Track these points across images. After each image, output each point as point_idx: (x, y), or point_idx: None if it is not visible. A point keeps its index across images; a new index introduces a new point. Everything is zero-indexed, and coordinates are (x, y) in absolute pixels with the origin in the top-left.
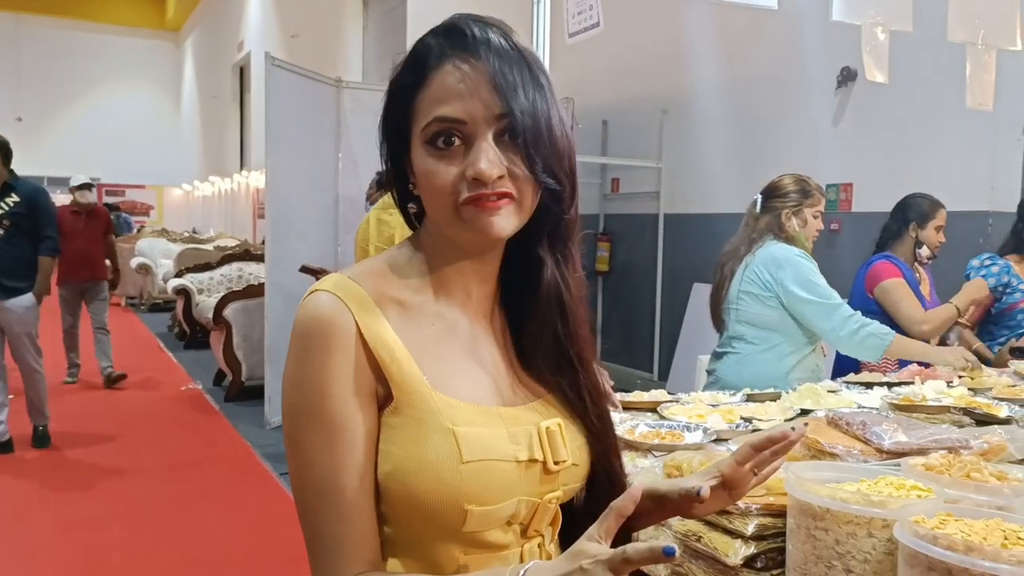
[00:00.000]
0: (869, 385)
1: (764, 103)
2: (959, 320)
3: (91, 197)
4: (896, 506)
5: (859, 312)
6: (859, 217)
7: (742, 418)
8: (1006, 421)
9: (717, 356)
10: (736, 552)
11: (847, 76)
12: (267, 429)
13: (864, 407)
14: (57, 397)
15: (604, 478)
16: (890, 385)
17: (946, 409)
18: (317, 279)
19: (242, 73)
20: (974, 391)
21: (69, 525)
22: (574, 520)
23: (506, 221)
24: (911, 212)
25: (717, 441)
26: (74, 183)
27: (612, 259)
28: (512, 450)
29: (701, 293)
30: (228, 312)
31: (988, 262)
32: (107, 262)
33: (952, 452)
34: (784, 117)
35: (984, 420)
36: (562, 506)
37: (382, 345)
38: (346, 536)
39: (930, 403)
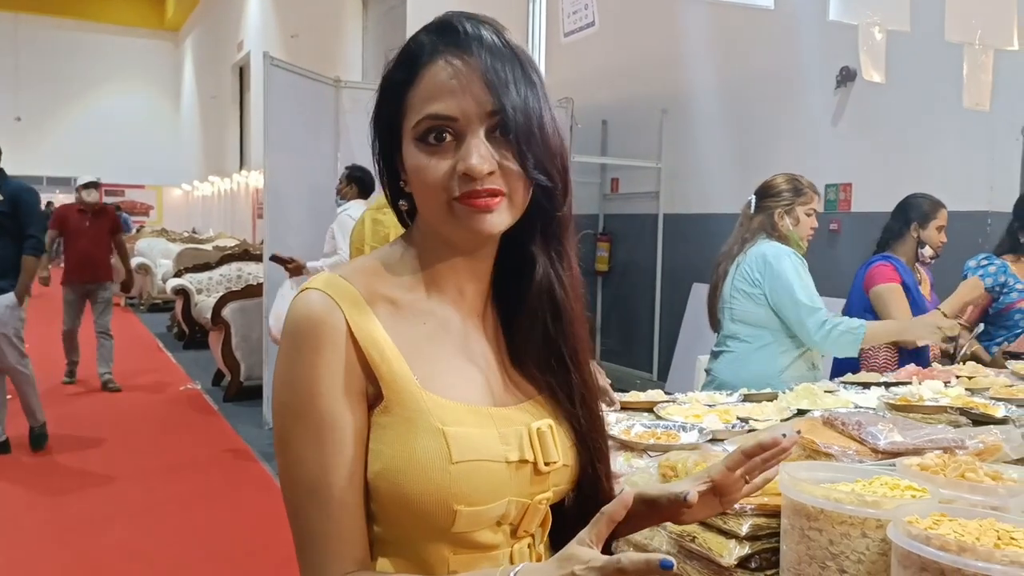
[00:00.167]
0: (866, 385)
1: (763, 103)
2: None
3: (96, 196)
4: (890, 506)
5: (833, 314)
6: (858, 217)
7: (738, 418)
8: (1003, 421)
9: (714, 355)
10: (730, 552)
11: (846, 76)
12: (265, 429)
13: (861, 407)
14: (55, 397)
15: (589, 481)
16: (887, 385)
17: (943, 409)
18: (287, 269)
19: (242, 73)
20: (971, 391)
21: (67, 526)
22: (562, 521)
23: (498, 218)
24: (912, 212)
25: (713, 441)
26: (80, 182)
27: (612, 259)
28: (502, 450)
29: (700, 293)
30: (227, 312)
31: (985, 262)
32: (117, 263)
33: (947, 452)
34: (783, 117)
35: (981, 420)
36: (552, 507)
37: (372, 344)
38: (335, 535)
39: (927, 403)
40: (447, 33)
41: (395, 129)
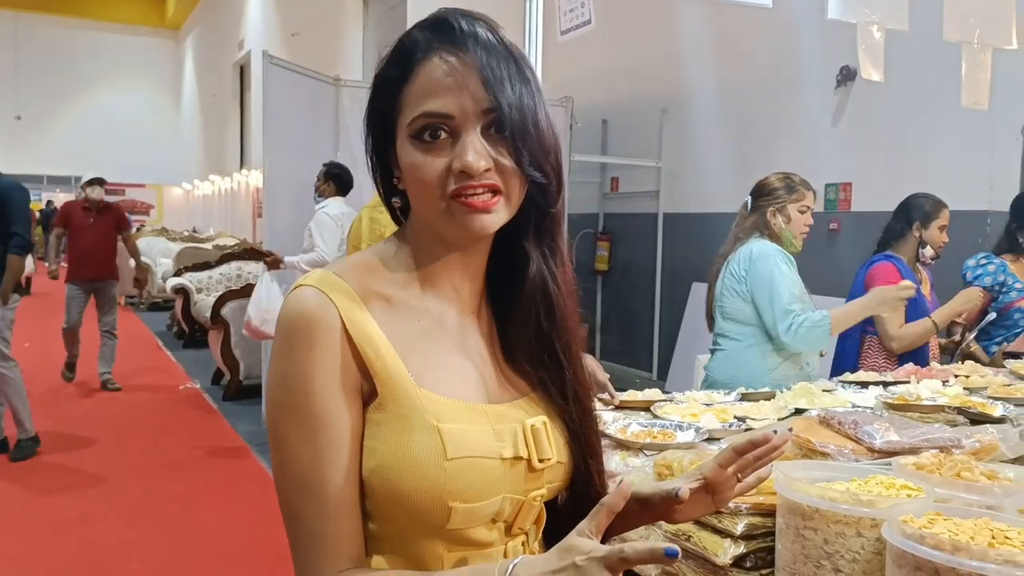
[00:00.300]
0: (864, 384)
1: (763, 102)
2: (956, 320)
3: (100, 193)
4: (885, 505)
5: (803, 307)
6: (858, 216)
7: (736, 417)
8: (1000, 420)
9: (710, 354)
10: (725, 551)
11: (846, 75)
12: (264, 428)
13: (859, 406)
14: (55, 395)
15: (582, 478)
16: (885, 384)
17: (940, 408)
18: (265, 262)
19: (242, 72)
20: (970, 390)
21: (65, 523)
22: (555, 519)
23: (494, 216)
24: (914, 212)
25: (709, 441)
26: (85, 179)
27: (611, 258)
28: (497, 447)
29: (700, 292)
30: (226, 311)
31: (984, 261)
32: (122, 262)
33: (944, 451)
34: (783, 116)
35: (978, 419)
36: (546, 505)
37: (367, 341)
38: (330, 533)
39: (925, 402)
40: (442, 30)
41: (389, 126)
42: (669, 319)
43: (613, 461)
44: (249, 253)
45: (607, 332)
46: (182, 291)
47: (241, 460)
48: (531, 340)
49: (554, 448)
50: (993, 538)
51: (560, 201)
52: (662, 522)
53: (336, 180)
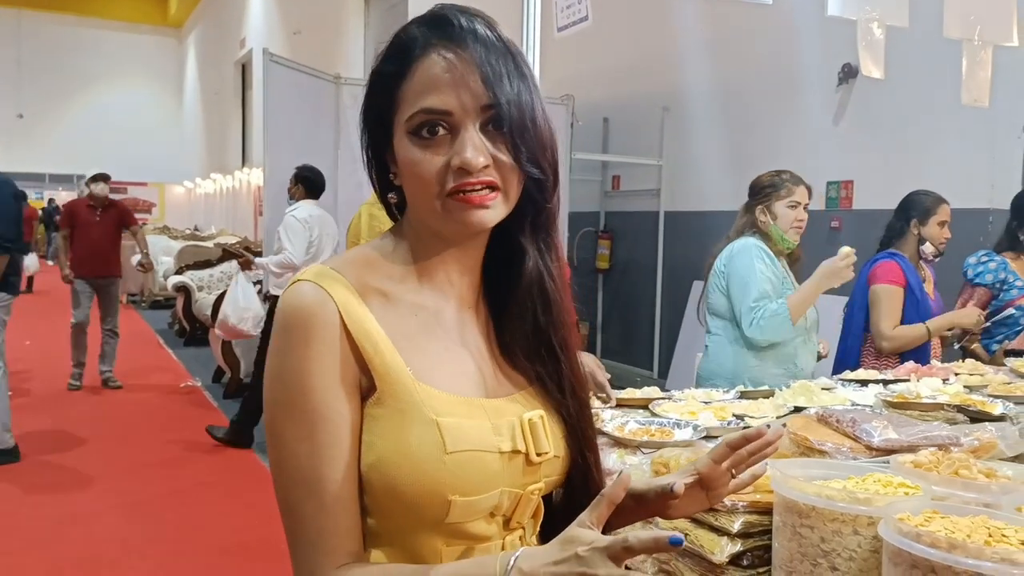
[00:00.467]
0: (864, 382)
1: (765, 100)
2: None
3: (105, 189)
4: (882, 503)
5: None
6: (860, 214)
7: (734, 415)
8: (1000, 418)
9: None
10: (722, 550)
11: (848, 73)
12: (263, 425)
13: (858, 405)
14: (55, 392)
15: (579, 472)
16: (885, 382)
17: (940, 406)
18: (239, 263)
19: (244, 70)
20: (970, 388)
21: (65, 520)
22: (552, 515)
23: (492, 212)
24: (912, 209)
25: (707, 438)
26: (88, 175)
27: (612, 256)
28: (495, 441)
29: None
30: None
31: (985, 259)
32: (133, 260)
33: (942, 449)
34: (785, 114)
35: (978, 417)
36: (543, 500)
37: (365, 336)
38: (328, 528)
39: (925, 400)
40: (440, 26)
41: (386, 122)
42: (670, 317)
43: (610, 459)
44: (225, 254)
45: (608, 330)
46: (183, 289)
47: (241, 458)
48: (528, 335)
49: (551, 442)
50: (990, 536)
51: (556, 196)
52: (658, 520)
53: (305, 183)
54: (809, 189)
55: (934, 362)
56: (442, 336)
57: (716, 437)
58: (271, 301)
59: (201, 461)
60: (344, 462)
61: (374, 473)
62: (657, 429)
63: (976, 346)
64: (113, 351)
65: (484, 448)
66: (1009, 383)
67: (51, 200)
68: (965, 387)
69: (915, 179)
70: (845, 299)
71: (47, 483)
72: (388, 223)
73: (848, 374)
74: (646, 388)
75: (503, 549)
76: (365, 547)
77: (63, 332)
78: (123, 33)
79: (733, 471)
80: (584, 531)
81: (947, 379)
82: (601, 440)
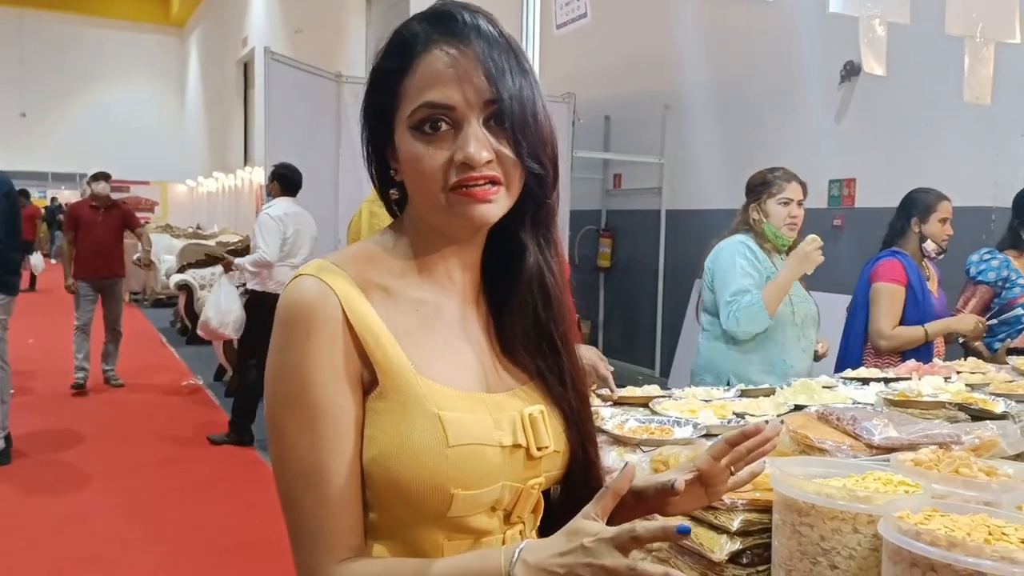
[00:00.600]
0: (866, 381)
1: (767, 98)
2: (955, 315)
3: (106, 188)
4: (881, 501)
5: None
6: (862, 213)
7: (734, 413)
8: (1002, 417)
9: None
10: (722, 548)
11: (850, 71)
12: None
13: (859, 403)
14: (57, 390)
15: (580, 466)
16: (887, 381)
17: (941, 405)
18: (222, 266)
19: (246, 69)
20: (972, 387)
21: (66, 518)
22: (551, 510)
23: (495, 207)
24: (913, 207)
25: (707, 437)
26: (89, 174)
27: (614, 255)
28: (497, 435)
29: None
30: None
31: (987, 257)
32: (136, 256)
33: (943, 448)
34: (787, 112)
35: (980, 416)
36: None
37: (367, 330)
38: (330, 523)
39: (926, 399)
40: (443, 22)
41: (387, 118)
42: (671, 316)
43: (610, 457)
44: (208, 259)
45: (609, 329)
46: (185, 288)
47: (243, 456)
48: (528, 330)
49: (551, 437)
50: (990, 534)
51: (555, 192)
52: (656, 518)
53: (282, 180)
54: (803, 185)
55: (936, 360)
56: (443, 331)
57: (716, 435)
58: (251, 297)
59: (202, 460)
60: (346, 456)
61: (375, 467)
62: (657, 427)
63: (978, 344)
64: (116, 350)
65: (486, 442)
66: (1011, 381)
67: (54, 199)
68: (967, 385)
69: (917, 177)
70: (848, 297)
71: (48, 482)
72: (388, 220)
73: (850, 372)
74: (646, 386)
75: (504, 543)
76: (366, 541)
77: (66, 330)
78: (125, 32)
79: (732, 468)
80: (589, 522)
81: (949, 377)
82: (601, 438)
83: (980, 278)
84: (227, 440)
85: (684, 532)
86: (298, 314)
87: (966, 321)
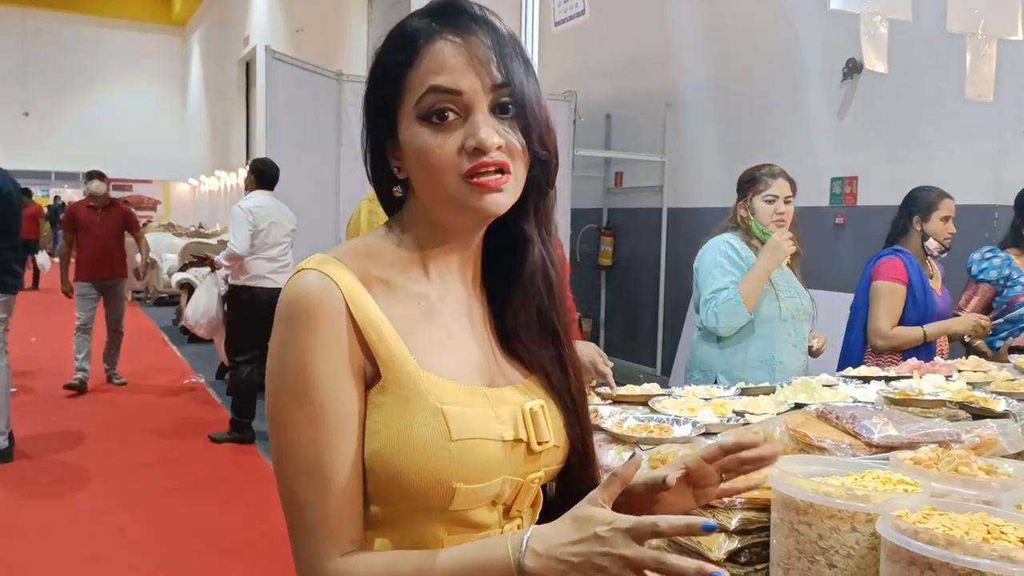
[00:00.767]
0: (866, 379)
1: (768, 96)
2: (957, 313)
3: (102, 187)
4: (880, 500)
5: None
6: (864, 211)
7: (734, 412)
8: (1003, 415)
9: None
10: (719, 546)
11: (852, 68)
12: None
13: (860, 401)
14: (59, 389)
15: (579, 460)
16: (888, 379)
17: (942, 403)
18: (208, 266)
19: (248, 68)
20: (973, 385)
21: (67, 517)
22: (547, 504)
23: (505, 197)
24: (914, 205)
25: (706, 435)
26: (85, 174)
27: (615, 253)
28: (499, 429)
29: None
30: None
31: (989, 255)
32: (136, 257)
33: (943, 446)
34: (788, 110)
35: (980, 414)
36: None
37: (370, 324)
38: (331, 517)
39: (927, 397)
40: (446, 15)
41: (390, 113)
42: (673, 314)
43: (608, 455)
44: (198, 259)
45: (611, 327)
46: (187, 286)
47: (244, 454)
48: (532, 322)
49: (551, 431)
50: (989, 533)
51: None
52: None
53: (257, 174)
54: (791, 182)
55: (937, 359)
56: (444, 325)
57: (715, 434)
58: (229, 291)
59: (204, 458)
60: (347, 450)
61: (377, 461)
62: (656, 425)
63: (980, 343)
64: (118, 349)
65: (488, 436)
66: (1012, 380)
67: (57, 197)
68: (968, 384)
69: (919, 175)
70: (847, 295)
71: (49, 480)
72: (386, 218)
73: (850, 371)
74: (646, 385)
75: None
76: (367, 535)
77: (68, 329)
78: (127, 32)
79: (723, 475)
80: (599, 510)
81: (950, 376)
82: (599, 436)
83: (982, 276)
84: (228, 438)
85: (710, 529)
86: (301, 308)
87: (965, 322)
